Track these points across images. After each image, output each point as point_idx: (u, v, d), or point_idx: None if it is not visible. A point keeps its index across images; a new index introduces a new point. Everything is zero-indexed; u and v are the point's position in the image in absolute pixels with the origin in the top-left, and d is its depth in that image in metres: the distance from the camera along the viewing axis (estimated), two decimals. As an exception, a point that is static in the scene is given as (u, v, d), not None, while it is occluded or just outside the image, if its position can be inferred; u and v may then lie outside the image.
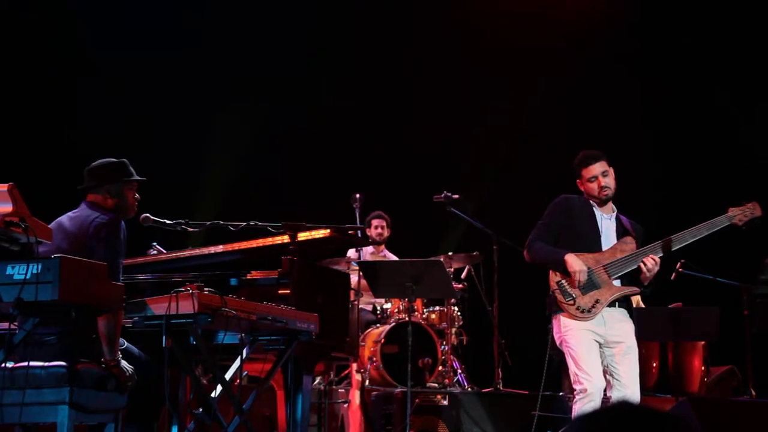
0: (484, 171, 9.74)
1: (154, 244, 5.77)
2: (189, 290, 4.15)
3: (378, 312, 8.10)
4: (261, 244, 5.39)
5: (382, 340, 7.56)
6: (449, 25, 10.21)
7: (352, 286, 6.68)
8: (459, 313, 8.12)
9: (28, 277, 3.77)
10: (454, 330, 8.02)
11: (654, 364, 7.49)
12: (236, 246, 5.45)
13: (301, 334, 4.71)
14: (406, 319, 7.11)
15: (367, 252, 8.33)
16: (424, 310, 8.07)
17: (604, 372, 5.14)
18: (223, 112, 9.69)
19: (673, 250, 5.22)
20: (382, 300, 8.04)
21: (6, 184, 3.88)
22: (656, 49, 9.90)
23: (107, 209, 4.63)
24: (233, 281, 5.08)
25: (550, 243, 5.26)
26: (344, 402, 7.23)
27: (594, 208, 5.31)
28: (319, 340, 4.92)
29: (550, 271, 5.24)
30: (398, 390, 7.22)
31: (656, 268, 5.12)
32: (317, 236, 5.31)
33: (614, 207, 5.37)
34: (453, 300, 7.93)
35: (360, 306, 7.03)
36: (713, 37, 9.63)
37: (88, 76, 9.62)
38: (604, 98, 9.64)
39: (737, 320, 7.42)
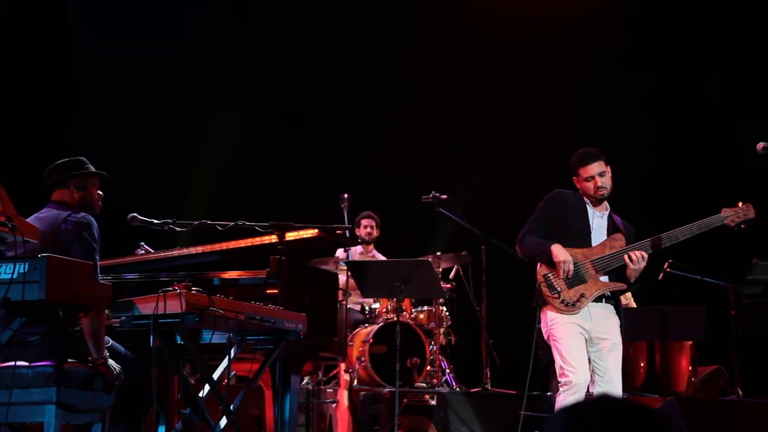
0: (472, 171, 9.73)
1: (142, 243, 5.76)
2: (177, 290, 4.14)
3: (366, 312, 8.09)
4: (249, 244, 5.39)
5: (371, 340, 7.55)
6: (441, 26, 10.19)
7: (341, 286, 6.69)
8: (447, 313, 8.11)
9: (14, 276, 3.75)
10: (442, 330, 8.01)
11: (641, 364, 7.50)
12: (224, 246, 5.44)
13: (289, 334, 4.71)
14: (395, 318, 7.09)
15: (356, 252, 8.33)
16: (413, 309, 8.06)
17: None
18: (213, 112, 9.67)
19: (663, 248, 5.21)
20: (371, 300, 8.03)
21: (-9, 184, 3.86)
22: (652, 46, 9.89)
23: (75, 206, 4.56)
24: (221, 281, 5.08)
25: (540, 237, 5.26)
26: (332, 402, 7.21)
27: (587, 205, 5.31)
28: (307, 339, 4.92)
29: (538, 264, 5.24)
30: (386, 390, 7.22)
31: (642, 264, 5.11)
32: (305, 236, 5.31)
33: (608, 206, 5.37)
34: (441, 300, 7.92)
35: (348, 306, 7.03)
36: (710, 34, 9.62)
37: (77, 75, 9.58)
38: (602, 98, 9.63)
39: (724, 320, 7.43)
